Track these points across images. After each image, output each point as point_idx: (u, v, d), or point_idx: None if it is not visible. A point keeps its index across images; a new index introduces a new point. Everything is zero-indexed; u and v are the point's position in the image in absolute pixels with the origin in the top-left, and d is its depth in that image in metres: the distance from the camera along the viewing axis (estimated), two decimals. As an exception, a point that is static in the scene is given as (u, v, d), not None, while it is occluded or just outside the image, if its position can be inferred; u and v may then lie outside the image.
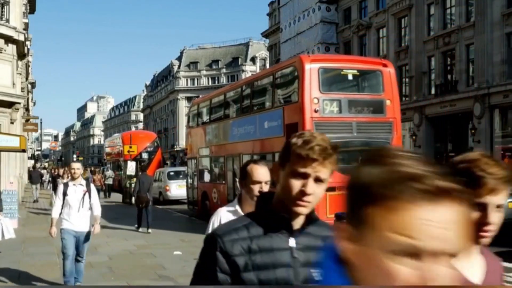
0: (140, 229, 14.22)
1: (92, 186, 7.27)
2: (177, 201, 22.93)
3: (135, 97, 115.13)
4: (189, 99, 68.10)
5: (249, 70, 73.33)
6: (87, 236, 7.21)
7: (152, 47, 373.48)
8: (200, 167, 17.32)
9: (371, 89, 12.67)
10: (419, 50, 29.91)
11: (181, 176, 23.26)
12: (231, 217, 2.73)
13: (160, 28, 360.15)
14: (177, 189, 23.07)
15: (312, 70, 11.27)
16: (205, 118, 17.57)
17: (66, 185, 7.05)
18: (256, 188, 2.78)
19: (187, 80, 79.69)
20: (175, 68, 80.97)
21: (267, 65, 58.53)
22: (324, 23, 37.77)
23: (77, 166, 7.07)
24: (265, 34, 52.03)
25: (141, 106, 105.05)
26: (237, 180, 14.82)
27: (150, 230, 13.77)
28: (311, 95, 11.08)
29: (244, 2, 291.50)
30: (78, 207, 6.92)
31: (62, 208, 6.94)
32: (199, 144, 17.57)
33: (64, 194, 6.90)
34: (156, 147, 33.68)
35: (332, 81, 12.20)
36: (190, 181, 18.41)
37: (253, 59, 74.03)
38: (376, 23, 34.27)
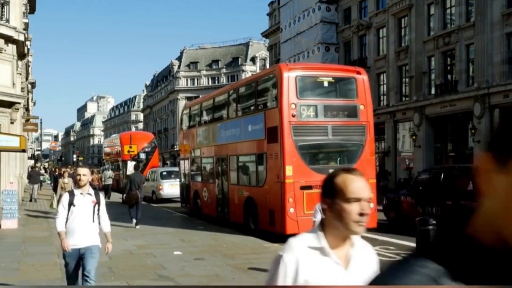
0: (133, 225, 14.50)
1: (100, 196, 6.08)
2: (169, 200, 23.74)
3: (135, 97, 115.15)
4: (189, 99, 68.02)
5: (249, 70, 73.32)
6: (95, 251, 5.91)
7: (152, 47, 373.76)
8: (191, 168, 18.16)
9: (346, 95, 13.39)
10: (419, 50, 29.91)
11: (173, 176, 24.34)
12: (317, 258, 1.92)
13: (160, 28, 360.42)
14: (170, 188, 24.04)
15: (290, 78, 12.10)
16: (196, 120, 18.34)
17: (72, 194, 5.82)
18: (354, 209, 1.90)
19: (187, 80, 79.69)
20: (175, 68, 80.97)
21: (267, 65, 58.54)
22: (324, 23, 37.78)
23: (83, 172, 5.81)
24: (265, 34, 52.03)
25: (141, 106, 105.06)
26: (224, 179, 15.75)
27: (138, 226, 14.23)
28: (289, 101, 11.92)
29: (244, 2, 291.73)
30: (86, 221, 5.78)
31: (66, 220, 5.77)
32: (190, 146, 18.32)
33: (70, 204, 5.74)
34: (153, 147, 34.60)
35: (309, 87, 13.02)
36: (183, 180, 19.24)
37: (253, 59, 74.03)
38: (376, 23, 34.27)
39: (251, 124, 13.62)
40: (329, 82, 13.24)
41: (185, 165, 18.90)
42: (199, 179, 17.57)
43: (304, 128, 12.11)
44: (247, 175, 14.09)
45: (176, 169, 25.42)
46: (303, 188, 11.57)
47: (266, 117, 12.76)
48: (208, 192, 16.36)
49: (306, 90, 12.73)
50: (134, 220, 14.45)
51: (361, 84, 12.92)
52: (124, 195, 16.58)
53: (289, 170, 11.70)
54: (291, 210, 11.52)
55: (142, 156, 31.24)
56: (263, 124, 12.81)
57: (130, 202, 14.80)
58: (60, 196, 15.41)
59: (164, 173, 25.61)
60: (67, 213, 5.75)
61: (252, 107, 14.11)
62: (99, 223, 5.99)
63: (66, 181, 16.46)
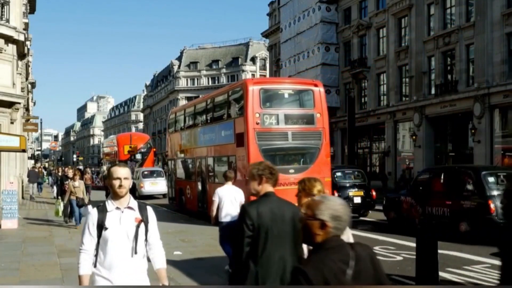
0: None
1: (149, 210, 3.70)
2: (150, 197, 26.74)
3: (135, 97, 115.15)
4: (189, 99, 68.08)
5: (249, 70, 73.34)
6: None
7: (152, 47, 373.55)
8: (177, 168, 19.97)
9: (304, 104, 15.04)
10: (419, 50, 29.91)
11: (154, 175, 27.77)
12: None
13: (160, 28, 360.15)
14: (150, 186, 27.21)
15: (254, 90, 13.92)
16: (181, 125, 20.08)
17: (102, 210, 3.57)
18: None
19: (187, 80, 79.69)
20: (175, 68, 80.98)
21: (267, 65, 58.52)
22: (324, 23, 37.77)
23: (124, 174, 3.57)
24: (265, 34, 52.02)
25: (141, 106, 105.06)
26: (203, 178, 17.29)
27: None
28: (253, 111, 13.73)
29: (244, 2, 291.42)
30: (129, 250, 3.56)
31: (96, 252, 3.57)
32: (176, 148, 20.22)
33: (101, 226, 3.52)
34: (149, 148, 36.47)
35: (271, 99, 14.73)
36: (170, 179, 21.21)
37: (253, 59, 74.03)
38: (376, 23, 34.28)
39: (224, 130, 15.47)
40: (289, 94, 15.23)
41: (171, 166, 20.79)
42: (183, 178, 19.33)
43: (267, 134, 13.90)
44: (221, 174, 14.80)
45: (157, 168, 29.42)
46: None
47: (235, 124, 14.57)
48: (191, 190, 18.07)
49: (268, 101, 14.46)
50: None
51: (318, 95, 14.65)
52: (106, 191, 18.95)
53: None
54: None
55: (138, 156, 32.56)
56: (233, 130, 14.63)
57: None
58: (71, 205, 14.28)
59: (146, 172, 28.04)
60: (96, 242, 3.53)
61: (224, 115, 15.84)
62: (147, 254, 3.80)
63: (77, 184, 14.37)
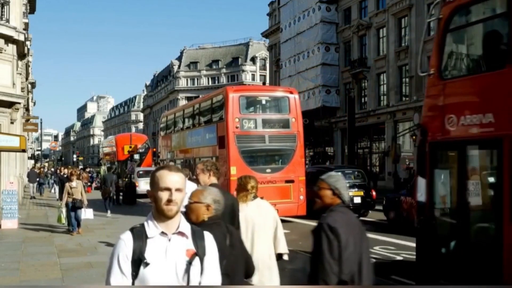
0: (107, 215, 17.31)
1: (207, 238, 2.52)
2: (145, 195, 27.04)
3: (135, 97, 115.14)
4: (189, 99, 68.09)
5: (249, 70, 73.36)
6: None
7: (152, 47, 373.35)
8: None
9: (280, 110, 16.38)
10: (419, 50, 29.90)
11: (149, 175, 28.34)
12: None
13: (160, 28, 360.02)
14: (145, 185, 28.74)
15: (234, 97, 15.24)
16: (171, 128, 21.55)
17: (140, 236, 2.44)
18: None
19: (187, 80, 79.70)
20: (175, 68, 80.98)
21: (267, 65, 58.55)
22: (324, 23, 37.77)
23: (177, 184, 2.43)
24: (265, 34, 52.03)
25: (141, 106, 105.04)
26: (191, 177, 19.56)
27: (110, 215, 17.35)
28: (233, 116, 15.01)
29: (244, 2, 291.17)
30: None
31: None
32: (167, 149, 21.64)
33: (139, 261, 2.36)
34: (147, 148, 37.61)
35: (250, 105, 16.15)
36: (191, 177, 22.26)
37: (253, 59, 74.05)
38: (376, 23, 34.29)
39: (208, 133, 16.83)
40: (266, 100, 16.67)
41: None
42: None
43: (245, 137, 15.16)
44: None
45: (151, 169, 30.44)
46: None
47: (217, 128, 15.91)
48: None
49: (247, 107, 15.87)
50: (109, 211, 17.61)
51: (293, 102, 15.95)
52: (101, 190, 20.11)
53: (233, 170, 14.65)
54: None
55: (136, 156, 33.43)
56: (216, 133, 15.96)
57: (104, 195, 18.56)
58: (67, 206, 13.09)
59: (141, 172, 28.57)
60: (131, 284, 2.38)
61: (209, 120, 17.27)
62: None
63: (74, 184, 13.31)
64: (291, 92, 16.56)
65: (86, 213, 13.37)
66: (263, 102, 16.54)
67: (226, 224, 3.26)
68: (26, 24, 27.06)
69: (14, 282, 7.76)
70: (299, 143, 15.74)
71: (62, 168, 28.63)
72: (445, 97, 6.89)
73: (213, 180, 4.76)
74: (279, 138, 15.73)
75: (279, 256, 5.15)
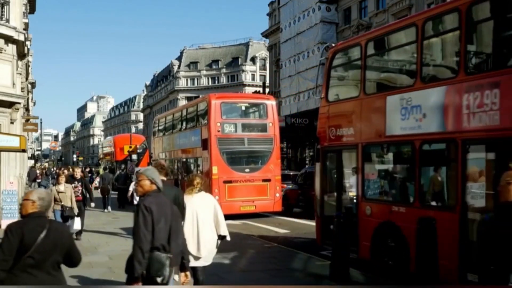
0: (105, 210, 18.97)
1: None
2: None
3: (135, 97, 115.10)
4: (189, 99, 68.09)
5: (249, 70, 73.33)
6: None
7: (152, 47, 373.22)
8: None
9: (258, 115, 18.17)
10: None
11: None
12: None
13: (160, 28, 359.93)
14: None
15: (216, 104, 16.89)
16: (163, 130, 23.25)
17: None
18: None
19: (187, 80, 79.67)
20: (175, 68, 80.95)
21: (267, 65, 58.54)
22: (324, 23, 37.76)
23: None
24: (265, 34, 52.01)
25: (141, 106, 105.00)
26: (179, 176, 20.28)
27: (107, 210, 19.01)
28: (215, 120, 16.63)
29: (244, 2, 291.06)
30: None
31: None
32: (159, 150, 23.28)
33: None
34: (144, 149, 38.07)
35: (230, 111, 17.73)
36: (170, 178, 23.74)
37: (253, 59, 74.01)
38: (376, 23, 34.26)
39: (193, 136, 18.28)
40: (246, 107, 18.50)
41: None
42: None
43: (226, 140, 16.72)
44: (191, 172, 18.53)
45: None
46: (225, 182, 16.41)
47: (201, 131, 17.45)
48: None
49: (228, 113, 17.39)
50: (109, 207, 19.19)
51: (270, 108, 17.64)
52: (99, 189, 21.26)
53: (215, 169, 16.28)
54: (216, 197, 15.65)
55: (134, 157, 33.98)
56: (200, 136, 17.45)
57: (103, 193, 19.78)
58: (55, 215, 10.84)
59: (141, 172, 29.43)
60: None
61: (194, 124, 18.91)
62: None
63: (62, 189, 11.18)
64: (268, 99, 18.43)
65: (75, 224, 11.10)
66: (243, 108, 18.29)
67: (51, 222, 4.04)
68: (26, 24, 27.05)
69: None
70: (276, 145, 17.44)
71: (68, 167, 26.94)
72: (329, 114, 9.83)
73: (162, 177, 5.64)
74: (257, 141, 17.29)
75: (221, 237, 6.43)
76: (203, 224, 6.20)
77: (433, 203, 7.54)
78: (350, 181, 9.40)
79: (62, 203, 10.94)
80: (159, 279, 4.46)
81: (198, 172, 17.69)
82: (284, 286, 7.90)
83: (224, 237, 6.46)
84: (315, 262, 9.42)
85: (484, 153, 6.86)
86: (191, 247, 6.00)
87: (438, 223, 6.67)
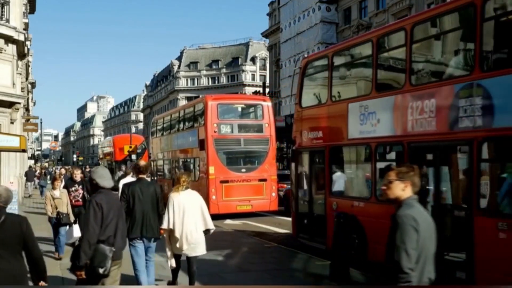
0: None
1: None
2: None
3: (135, 97, 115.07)
4: (189, 99, 68.08)
5: (249, 70, 73.32)
6: None
7: (152, 47, 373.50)
8: (158, 167, 23.35)
9: (254, 116, 18.32)
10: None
11: (148, 175, 29.50)
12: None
13: (160, 28, 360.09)
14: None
15: (212, 105, 17.03)
16: (161, 131, 23.45)
17: None
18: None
19: (187, 80, 79.66)
20: (175, 68, 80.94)
21: (267, 65, 58.54)
22: (324, 23, 37.77)
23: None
24: (265, 34, 52.02)
25: (141, 106, 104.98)
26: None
27: None
28: (212, 121, 16.79)
29: (244, 2, 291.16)
30: None
31: None
32: (157, 150, 23.49)
33: None
34: (143, 149, 38.50)
35: (227, 112, 17.87)
36: (153, 178, 23.50)
37: (253, 59, 74.00)
38: (376, 23, 34.26)
39: (191, 136, 18.44)
40: (242, 108, 18.68)
41: (154, 166, 23.76)
42: (162, 176, 22.69)
43: (223, 141, 16.88)
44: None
45: None
46: (222, 182, 16.54)
47: (198, 132, 17.58)
48: (168, 186, 19.92)
49: (224, 114, 17.53)
50: None
51: (266, 109, 17.79)
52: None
53: (212, 170, 16.41)
54: (213, 197, 16.25)
55: (133, 157, 34.24)
56: (197, 137, 17.59)
57: None
58: (51, 222, 10.12)
59: None
60: None
61: (191, 124, 19.00)
62: None
63: (58, 194, 10.08)
64: (264, 100, 18.58)
65: (74, 232, 9.45)
66: (239, 109, 18.50)
67: (8, 215, 4.25)
68: (26, 24, 27.05)
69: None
70: (272, 146, 17.58)
71: (68, 168, 25.78)
72: (302, 119, 10.80)
73: (142, 175, 7.15)
74: (253, 141, 17.42)
75: (207, 231, 7.22)
76: (189, 218, 6.93)
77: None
78: (320, 179, 10.31)
79: (58, 210, 9.88)
80: (101, 270, 4.85)
81: (196, 172, 17.94)
82: (284, 286, 7.90)
83: (209, 230, 7.25)
84: (315, 262, 9.42)
85: (426, 155, 7.76)
86: (179, 239, 6.93)
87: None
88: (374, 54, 8.63)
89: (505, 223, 5.95)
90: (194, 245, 7.00)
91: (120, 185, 11.61)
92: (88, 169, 39.11)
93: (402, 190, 3.56)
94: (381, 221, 7.35)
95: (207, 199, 16.33)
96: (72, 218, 9.91)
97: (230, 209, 16.39)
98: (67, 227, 9.81)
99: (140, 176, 7.10)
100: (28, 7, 28.94)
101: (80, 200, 10.41)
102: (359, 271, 8.52)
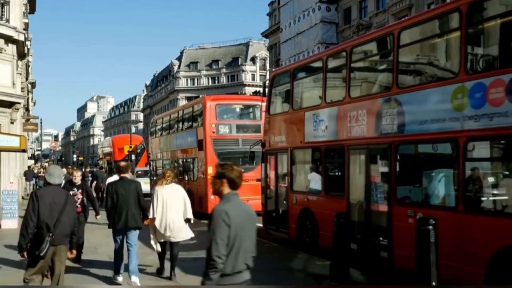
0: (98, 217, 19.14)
1: None
2: (145, 195, 29.16)
3: (135, 97, 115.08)
4: (189, 99, 68.09)
5: (249, 70, 73.34)
6: None
7: (152, 47, 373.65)
8: (156, 167, 23.59)
9: (253, 117, 18.57)
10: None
11: (148, 175, 28.75)
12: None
13: (160, 28, 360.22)
14: (143, 185, 28.69)
15: (211, 105, 17.20)
16: (160, 131, 23.56)
17: None
18: None
19: (187, 80, 79.66)
20: (175, 68, 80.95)
21: (267, 65, 58.53)
22: (324, 23, 37.77)
23: None
24: (265, 34, 52.02)
25: (141, 106, 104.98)
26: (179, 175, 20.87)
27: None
28: (210, 122, 16.96)
29: (244, 2, 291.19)
30: None
31: None
32: (156, 150, 23.64)
33: None
34: (142, 149, 38.42)
35: (225, 112, 18.04)
36: (151, 177, 24.21)
37: (253, 59, 74.01)
38: (376, 23, 34.28)
39: (189, 136, 18.60)
40: (240, 108, 18.83)
41: (152, 166, 24.31)
42: (161, 176, 22.47)
43: (221, 141, 17.02)
44: (188, 172, 19.08)
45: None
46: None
47: (197, 132, 17.74)
48: None
49: (223, 114, 17.70)
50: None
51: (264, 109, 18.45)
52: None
53: (210, 170, 16.39)
54: (212, 197, 16.01)
55: (132, 157, 34.35)
56: (196, 137, 17.74)
57: (97, 191, 19.70)
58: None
59: (140, 172, 29.24)
60: None
61: (190, 125, 19.17)
62: None
63: None
64: (262, 101, 18.78)
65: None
66: (237, 109, 18.68)
67: None
68: (26, 24, 27.06)
69: (14, 282, 7.75)
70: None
71: (68, 168, 25.71)
72: (270, 125, 12.36)
73: (125, 175, 8.05)
74: (251, 141, 17.52)
75: (188, 220, 8.13)
76: (171, 209, 7.86)
77: (333, 193, 9.99)
78: (284, 178, 11.83)
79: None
80: (37, 252, 5.66)
81: (195, 172, 18.21)
82: (284, 286, 7.90)
83: (190, 219, 8.18)
84: (315, 262, 9.42)
85: (360, 156, 9.27)
86: (162, 228, 7.87)
87: (337, 207, 9.13)
88: (324, 71, 10.28)
89: (412, 210, 7.52)
90: (176, 232, 7.93)
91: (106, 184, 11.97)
92: (88, 169, 39.22)
93: (220, 186, 3.91)
94: (329, 212, 9.26)
95: (205, 199, 16.62)
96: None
97: None
98: None
99: (122, 175, 7.95)
100: (28, 7, 28.95)
101: (79, 206, 9.15)
102: (359, 271, 8.52)
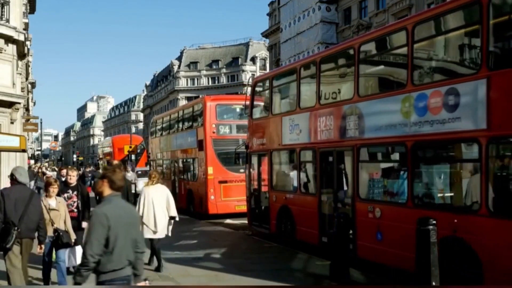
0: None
1: None
2: None
3: (135, 97, 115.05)
4: (189, 99, 68.09)
5: (249, 70, 73.31)
6: None
7: (152, 47, 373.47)
8: (157, 167, 23.53)
9: None
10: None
11: (147, 175, 28.96)
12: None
13: (160, 28, 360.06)
14: (142, 185, 29.07)
15: (211, 106, 17.31)
16: (160, 131, 23.68)
17: None
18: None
19: (187, 80, 79.65)
20: (175, 68, 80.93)
21: (267, 65, 58.54)
22: (324, 23, 37.77)
23: None
24: (265, 34, 52.02)
25: (141, 106, 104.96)
26: (176, 176, 20.61)
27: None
28: (210, 122, 17.08)
29: (244, 2, 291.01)
30: None
31: None
32: (156, 150, 23.76)
33: None
34: (142, 149, 38.57)
35: (225, 112, 18.15)
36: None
37: (253, 59, 74.01)
38: (376, 23, 34.28)
39: (189, 137, 18.71)
40: (240, 108, 18.18)
41: (152, 165, 24.40)
42: (161, 176, 22.66)
43: (221, 141, 17.09)
44: (188, 173, 19.16)
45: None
46: (220, 182, 16.86)
47: (197, 132, 17.84)
48: (167, 186, 21.39)
49: (223, 114, 17.77)
50: None
51: None
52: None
53: (210, 170, 16.70)
54: (212, 197, 16.64)
55: (132, 157, 34.41)
56: (196, 137, 17.84)
57: (95, 191, 19.37)
58: (47, 244, 7.24)
59: (140, 172, 29.38)
60: None
61: (190, 125, 19.24)
62: None
63: (54, 204, 7.41)
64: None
65: (77, 255, 7.23)
66: (237, 110, 18.49)
67: None
68: (26, 24, 27.06)
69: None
70: None
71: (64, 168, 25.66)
72: (252, 128, 13.30)
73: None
74: None
75: (172, 217, 8.84)
76: (157, 208, 8.60)
77: (306, 192, 10.94)
78: (265, 177, 12.60)
79: (55, 226, 7.33)
80: (4, 244, 6.32)
81: (195, 172, 18.25)
82: (284, 286, 7.91)
83: (174, 217, 8.87)
84: (315, 262, 9.43)
85: (329, 157, 10.05)
86: (150, 225, 8.48)
87: (310, 204, 10.35)
88: (298, 79, 11.11)
89: (372, 206, 8.47)
90: (161, 231, 8.66)
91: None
92: (88, 169, 39.35)
93: (101, 186, 4.05)
94: (304, 209, 10.62)
95: (206, 199, 16.65)
96: (73, 236, 7.55)
97: (229, 209, 16.47)
98: (67, 249, 7.37)
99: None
100: (28, 7, 28.95)
101: (75, 210, 8.20)
102: (359, 271, 8.53)
